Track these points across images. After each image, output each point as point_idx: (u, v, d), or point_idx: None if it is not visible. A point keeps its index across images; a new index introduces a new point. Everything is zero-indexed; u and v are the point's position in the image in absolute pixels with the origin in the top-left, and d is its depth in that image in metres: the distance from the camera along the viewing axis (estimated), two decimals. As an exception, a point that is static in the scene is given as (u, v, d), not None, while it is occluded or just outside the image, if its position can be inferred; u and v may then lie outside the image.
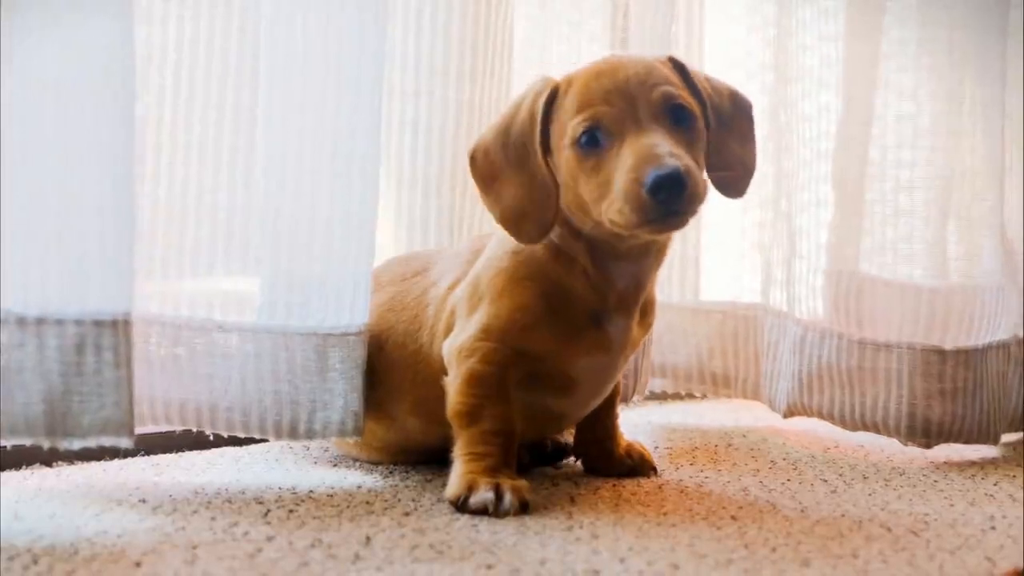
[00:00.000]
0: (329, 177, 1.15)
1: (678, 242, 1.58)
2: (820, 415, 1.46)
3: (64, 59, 0.98)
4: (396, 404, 1.19)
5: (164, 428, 1.21)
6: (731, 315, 1.61)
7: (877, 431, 1.43)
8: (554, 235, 1.11)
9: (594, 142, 1.04)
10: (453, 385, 1.11)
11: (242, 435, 1.17)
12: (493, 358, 1.10)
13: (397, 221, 1.40)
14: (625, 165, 1.01)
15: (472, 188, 1.40)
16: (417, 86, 1.36)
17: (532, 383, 1.12)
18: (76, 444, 0.99)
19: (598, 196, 1.04)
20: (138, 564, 0.87)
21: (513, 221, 1.09)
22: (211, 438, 1.27)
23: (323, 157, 1.14)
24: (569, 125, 1.06)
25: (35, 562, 0.87)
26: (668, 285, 1.60)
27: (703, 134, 1.09)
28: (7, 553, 0.89)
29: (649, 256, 1.12)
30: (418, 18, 1.37)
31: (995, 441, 1.44)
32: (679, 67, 1.11)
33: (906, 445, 1.42)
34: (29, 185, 0.98)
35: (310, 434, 1.16)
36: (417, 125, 1.37)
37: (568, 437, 1.31)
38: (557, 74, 1.11)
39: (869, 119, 1.46)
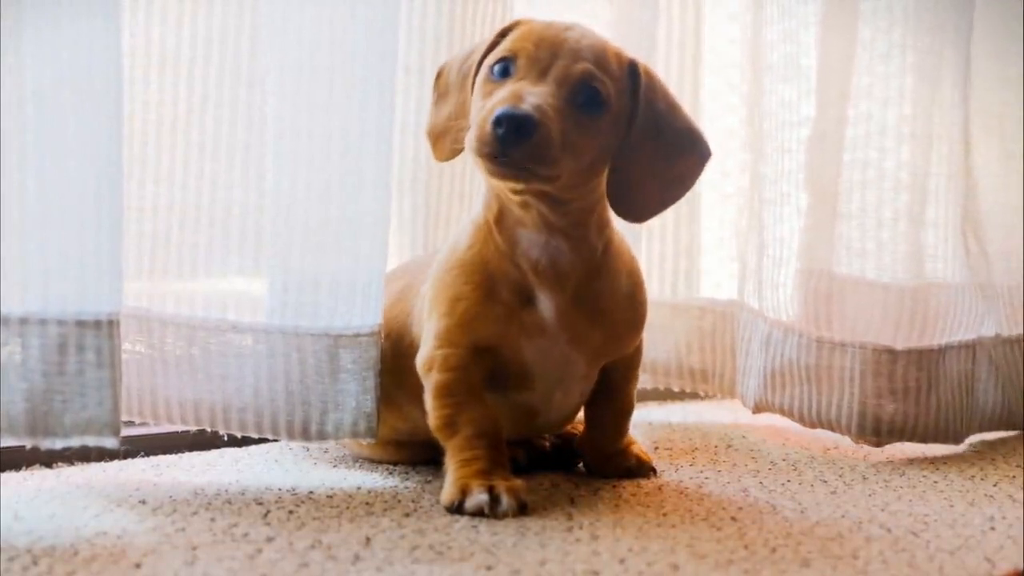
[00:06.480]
0: (340, 176, 1.14)
1: (657, 240, 1.58)
2: (783, 412, 1.46)
3: (50, 59, 0.98)
4: (400, 391, 1.19)
5: (178, 428, 1.22)
6: (709, 311, 1.60)
7: (832, 429, 1.43)
8: (480, 206, 1.13)
9: (504, 73, 1.07)
10: (427, 400, 1.12)
11: (255, 435, 1.18)
12: (452, 363, 1.10)
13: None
14: (495, 98, 1.03)
15: (449, 188, 1.40)
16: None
17: (494, 379, 1.13)
18: (59, 444, 0.99)
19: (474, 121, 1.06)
20: (138, 565, 0.87)
21: (434, 136, 1.15)
22: (212, 438, 1.27)
23: (333, 156, 1.14)
24: (495, 52, 1.09)
25: (35, 563, 0.87)
26: (648, 281, 1.59)
27: (608, 132, 1.08)
28: (7, 553, 0.89)
29: (554, 233, 1.10)
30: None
31: (956, 441, 1.44)
32: (633, 72, 1.10)
33: (857, 443, 1.42)
34: (12, 186, 0.97)
35: (322, 435, 1.16)
36: (392, 124, 1.36)
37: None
38: None
39: (843, 120, 1.45)
